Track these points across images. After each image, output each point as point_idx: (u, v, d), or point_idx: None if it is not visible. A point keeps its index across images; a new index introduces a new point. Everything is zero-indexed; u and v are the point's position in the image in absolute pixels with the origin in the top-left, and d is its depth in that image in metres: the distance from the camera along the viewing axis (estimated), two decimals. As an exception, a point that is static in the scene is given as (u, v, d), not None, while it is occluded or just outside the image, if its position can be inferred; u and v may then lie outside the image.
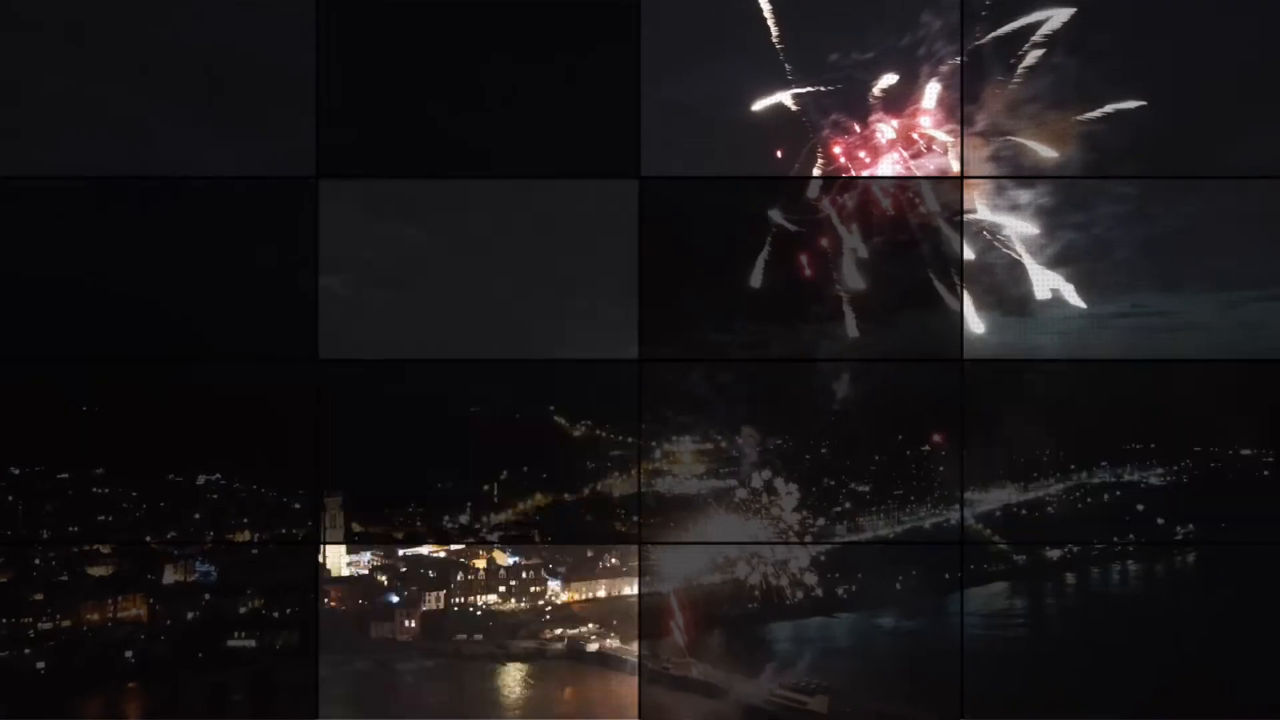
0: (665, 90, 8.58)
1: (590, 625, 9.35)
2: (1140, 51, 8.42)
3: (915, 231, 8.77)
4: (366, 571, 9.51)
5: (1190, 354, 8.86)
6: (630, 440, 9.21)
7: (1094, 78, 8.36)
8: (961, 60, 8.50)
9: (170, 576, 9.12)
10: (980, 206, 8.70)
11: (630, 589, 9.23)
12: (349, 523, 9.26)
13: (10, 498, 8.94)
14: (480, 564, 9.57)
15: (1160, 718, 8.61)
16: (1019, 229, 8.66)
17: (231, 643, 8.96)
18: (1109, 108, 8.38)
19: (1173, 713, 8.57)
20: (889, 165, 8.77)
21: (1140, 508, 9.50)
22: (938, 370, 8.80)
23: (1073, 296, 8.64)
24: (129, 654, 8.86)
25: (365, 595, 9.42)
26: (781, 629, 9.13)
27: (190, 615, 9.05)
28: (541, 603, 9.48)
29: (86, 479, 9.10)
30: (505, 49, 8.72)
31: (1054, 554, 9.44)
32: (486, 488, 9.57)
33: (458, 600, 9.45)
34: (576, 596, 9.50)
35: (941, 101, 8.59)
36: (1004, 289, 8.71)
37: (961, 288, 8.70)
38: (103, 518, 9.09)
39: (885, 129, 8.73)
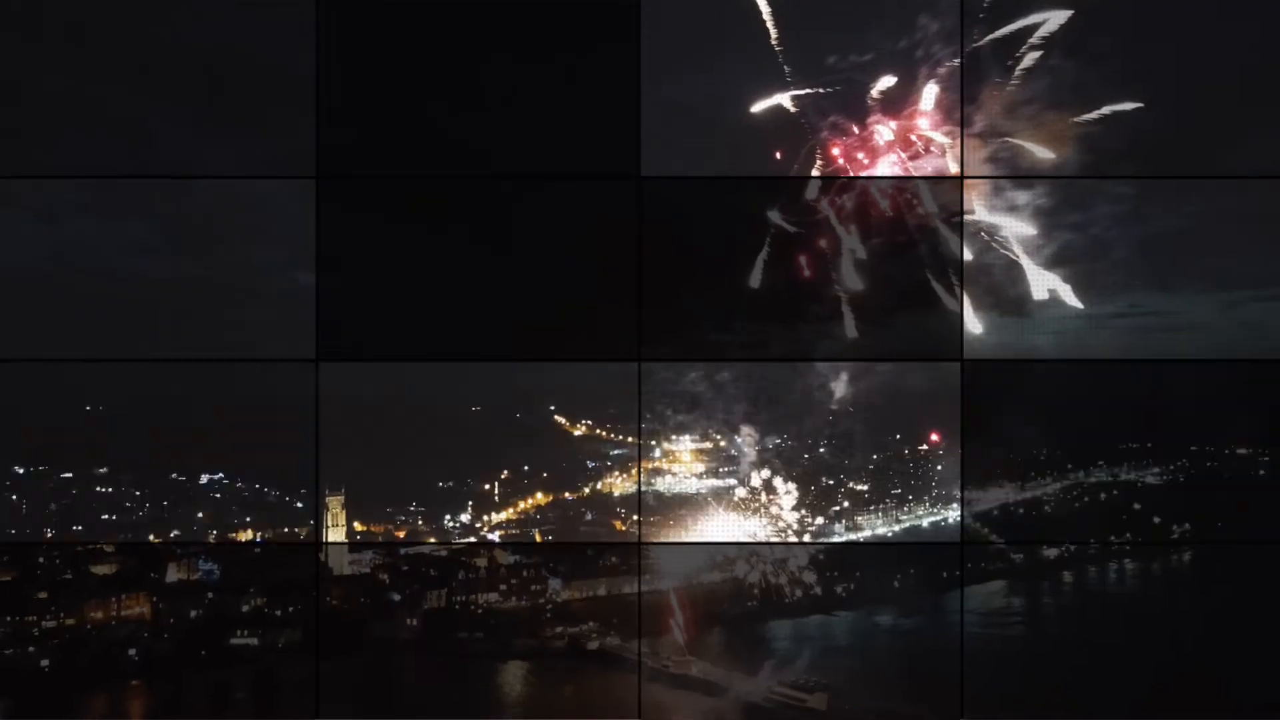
0: (665, 90, 8.60)
1: (591, 623, 9.40)
2: (1138, 54, 8.42)
3: (914, 232, 8.77)
4: (368, 570, 9.56)
5: (1189, 354, 8.87)
6: (630, 440, 9.25)
7: (1091, 80, 8.37)
8: (961, 61, 8.50)
9: (173, 575, 9.17)
10: (978, 207, 8.70)
11: (630, 587, 9.27)
12: (351, 521, 9.31)
13: (14, 497, 9.00)
14: (481, 562, 9.62)
15: (1157, 716, 8.63)
16: (1017, 230, 8.66)
17: (234, 641, 9.00)
18: (1106, 109, 8.37)
19: (1170, 711, 8.60)
20: (887, 166, 8.77)
21: (1137, 507, 9.53)
22: (936, 370, 8.82)
23: (1070, 297, 8.65)
24: (132, 652, 8.90)
25: (367, 594, 9.48)
26: (781, 627, 9.16)
27: (193, 613, 9.09)
28: (542, 601, 9.54)
29: (90, 478, 9.16)
30: (505, 49, 8.70)
31: (1051, 553, 9.46)
32: (487, 487, 9.62)
33: (459, 599, 9.50)
34: (577, 595, 9.54)
35: (939, 103, 8.59)
36: (1002, 289, 8.72)
37: (960, 288, 8.72)
38: (106, 517, 9.15)
39: (883, 130, 8.73)
